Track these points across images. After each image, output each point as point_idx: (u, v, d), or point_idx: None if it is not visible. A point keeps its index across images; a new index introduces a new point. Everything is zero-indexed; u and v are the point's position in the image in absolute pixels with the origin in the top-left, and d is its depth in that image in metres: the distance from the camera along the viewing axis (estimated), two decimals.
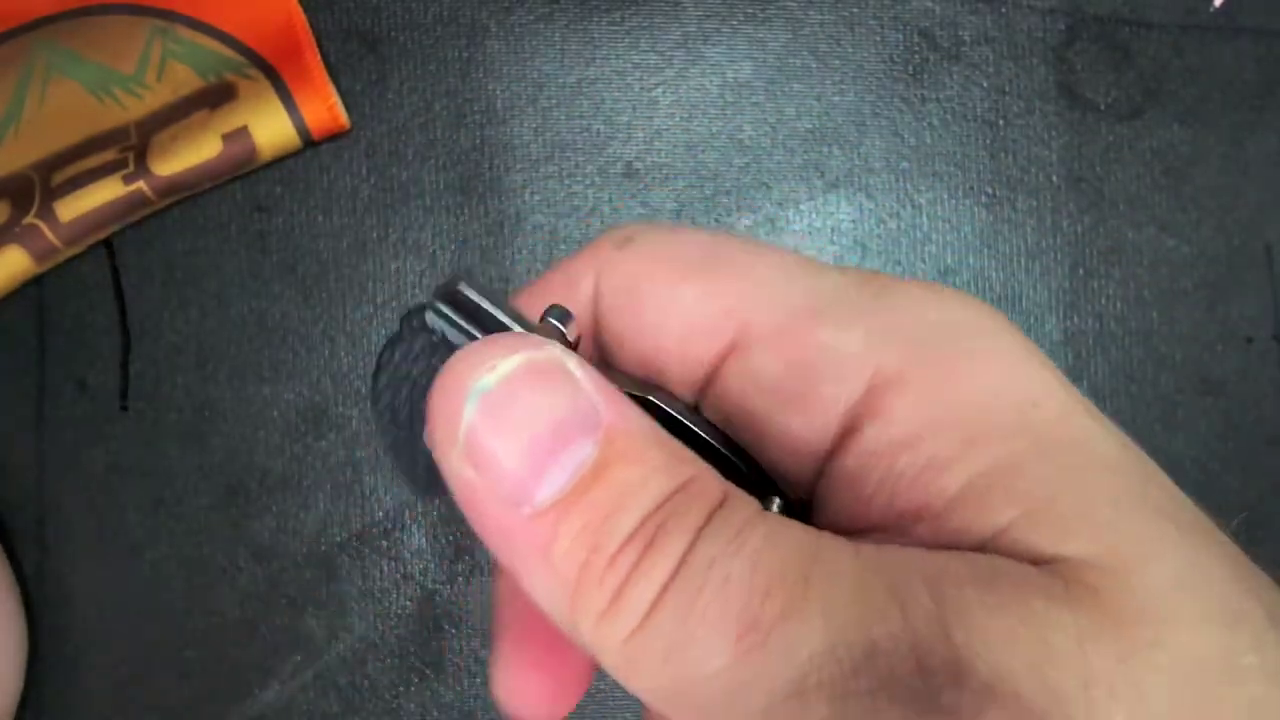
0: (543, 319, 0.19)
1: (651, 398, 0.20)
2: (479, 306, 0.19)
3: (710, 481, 0.17)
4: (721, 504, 0.16)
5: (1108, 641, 0.14)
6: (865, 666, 0.15)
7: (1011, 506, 0.16)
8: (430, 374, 0.18)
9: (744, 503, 0.17)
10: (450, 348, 0.18)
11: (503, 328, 0.19)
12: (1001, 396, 0.17)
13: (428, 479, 0.20)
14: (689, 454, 0.17)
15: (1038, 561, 0.16)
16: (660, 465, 0.17)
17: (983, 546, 0.16)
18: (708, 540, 0.16)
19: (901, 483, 0.17)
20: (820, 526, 0.17)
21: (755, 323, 0.19)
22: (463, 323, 0.19)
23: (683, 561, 0.16)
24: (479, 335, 0.18)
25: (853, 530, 0.18)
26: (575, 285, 0.21)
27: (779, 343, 0.19)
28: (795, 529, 0.16)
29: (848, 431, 0.18)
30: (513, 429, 0.16)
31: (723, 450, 0.20)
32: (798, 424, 0.19)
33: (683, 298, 0.20)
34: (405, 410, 0.20)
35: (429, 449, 0.18)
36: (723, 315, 0.20)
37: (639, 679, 0.16)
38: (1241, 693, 0.15)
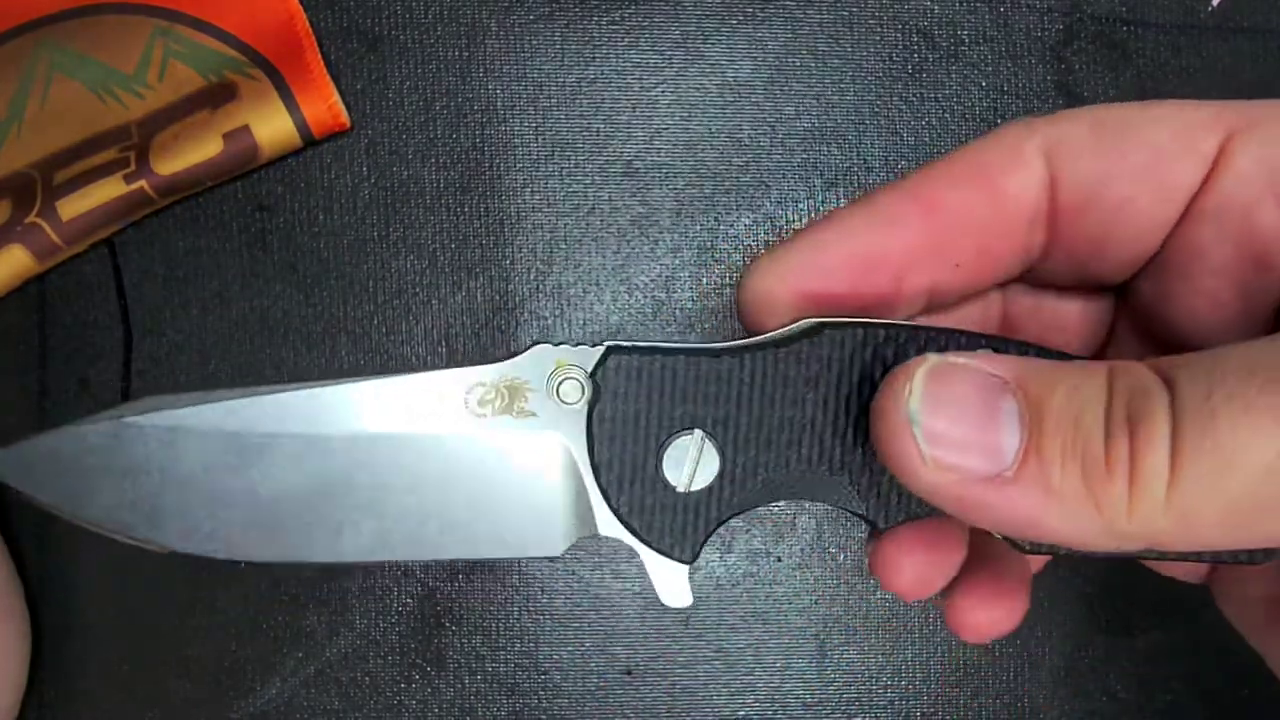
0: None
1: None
2: (657, 346, 0.23)
3: (1124, 360, 0.18)
4: (1159, 363, 0.18)
5: None
6: None
7: None
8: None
9: (1175, 357, 0.18)
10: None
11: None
12: None
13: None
14: (1077, 360, 0.19)
15: None
16: (1077, 372, 0.18)
17: None
18: (1185, 390, 0.17)
19: (1264, 206, 0.21)
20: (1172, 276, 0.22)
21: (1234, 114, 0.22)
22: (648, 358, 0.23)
23: (1178, 414, 0.17)
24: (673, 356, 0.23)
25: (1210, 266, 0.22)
26: (1018, 150, 0.23)
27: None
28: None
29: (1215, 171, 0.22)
30: (957, 427, 0.18)
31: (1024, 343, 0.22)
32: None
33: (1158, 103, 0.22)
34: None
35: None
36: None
37: (1200, 518, 0.17)
38: None
